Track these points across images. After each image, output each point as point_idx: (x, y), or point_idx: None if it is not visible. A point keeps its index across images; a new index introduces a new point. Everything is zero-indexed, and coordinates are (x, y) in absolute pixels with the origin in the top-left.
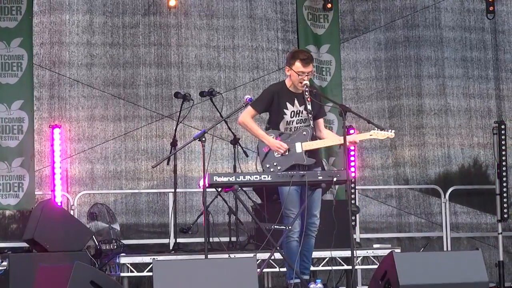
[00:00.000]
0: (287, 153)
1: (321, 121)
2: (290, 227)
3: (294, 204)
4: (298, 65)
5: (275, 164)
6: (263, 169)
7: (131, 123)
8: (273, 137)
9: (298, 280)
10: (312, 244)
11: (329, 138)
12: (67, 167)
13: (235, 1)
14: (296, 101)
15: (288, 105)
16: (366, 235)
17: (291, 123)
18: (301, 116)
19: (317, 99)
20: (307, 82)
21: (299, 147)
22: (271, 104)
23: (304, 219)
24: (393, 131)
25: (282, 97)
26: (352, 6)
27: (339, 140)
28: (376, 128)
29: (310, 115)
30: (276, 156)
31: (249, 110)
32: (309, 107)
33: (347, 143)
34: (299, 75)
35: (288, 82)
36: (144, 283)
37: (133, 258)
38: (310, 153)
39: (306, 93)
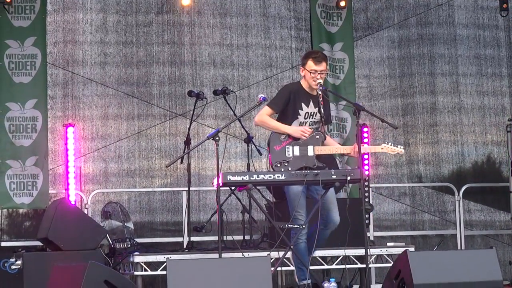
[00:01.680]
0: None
1: (325, 127)
2: (304, 226)
3: (301, 206)
4: (310, 64)
5: (286, 164)
6: (272, 167)
7: (145, 121)
8: (285, 137)
9: (309, 281)
10: (326, 236)
11: (339, 146)
12: (80, 165)
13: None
14: (311, 103)
15: (303, 105)
16: (380, 233)
17: (304, 124)
18: (314, 118)
19: (327, 101)
20: (321, 81)
21: (311, 150)
22: (288, 103)
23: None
24: (402, 147)
25: (298, 97)
26: (365, 4)
27: (347, 149)
28: (387, 142)
29: (322, 119)
30: (288, 155)
31: (266, 109)
32: (322, 109)
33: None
34: (311, 73)
35: (303, 83)
36: (158, 282)
37: (147, 257)
38: (320, 157)
39: (320, 96)
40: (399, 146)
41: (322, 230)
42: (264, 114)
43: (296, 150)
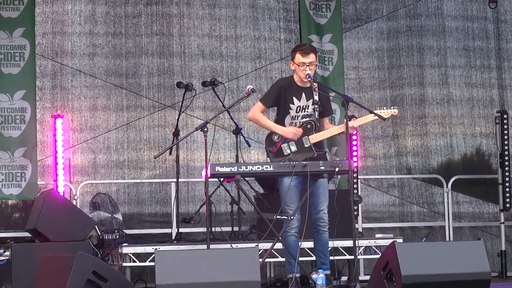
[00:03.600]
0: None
1: (326, 119)
2: (292, 218)
3: (293, 201)
4: (298, 57)
5: (287, 162)
6: None
7: (134, 113)
8: (278, 137)
9: (298, 275)
10: (326, 238)
11: (333, 128)
12: (69, 157)
13: None
14: (304, 95)
15: (295, 99)
16: (368, 225)
17: (296, 118)
18: (307, 112)
19: (325, 93)
20: (310, 72)
21: (306, 141)
22: (279, 99)
23: (309, 214)
24: (395, 108)
25: (289, 92)
26: None
27: (343, 128)
28: (378, 109)
29: (316, 106)
30: (286, 154)
31: (258, 105)
32: (316, 98)
33: (351, 130)
34: (300, 66)
35: (295, 77)
36: (147, 273)
37: (135, 248)
38: (317, 144)
39: (315, 84)
40: (392, 108)
41: (318, 232)
42: (257, 111)
43: (293, 146)
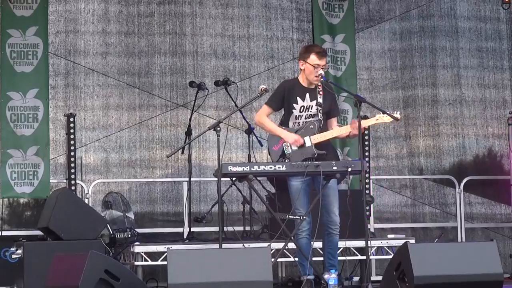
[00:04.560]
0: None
1: (333, 120)
2: (304, 217)
3: (302, 204)
4: (313, 58)
5: (286, 161)
6: None
7: (146, 112)
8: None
9: (312, 277)
10: (336, 242)
11: (336, 129)
12: (82, 155)
13: None
14: (307, 96)
15: (299, 99)
16: (380, 225)
17: (299, 117)
18: (310, 111)
19: (331, 90)
20: (322, 73)
21: (308, 141)
22: (283, 99)
23: (321, 216)
24: (399, 112)
25: (292, 92)
26: None
27: (346, 128)
28: (381, 113)
29: (319, 108)
30: (287, 153)
31: (264, 108)
32: (320, 100)
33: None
34: (314, 67)
35: (301, 77)
36: (158, 272)
37: (147, 247)
38: (321, 145)
39: (319, 87)
40: (395, 112)
41: (330, 235)
42: (263, 114)
43: (294, 145)
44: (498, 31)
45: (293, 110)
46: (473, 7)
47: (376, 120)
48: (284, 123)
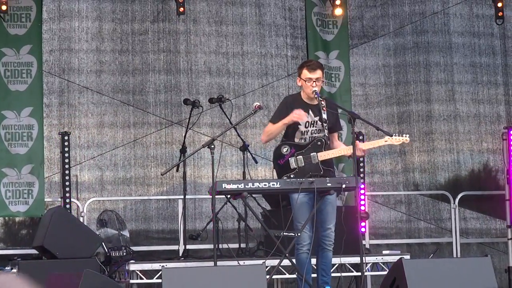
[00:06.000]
0: (306, 117)
1: (335, 135)
2: (299, 234)
3: (303, 217)
4: (305, 72)
5: (292, 176)
6: None
7: (141, 129)
8: (287, 150)
9: None
10: (330, 257)
11: (342, 147)
12: (76, 173)
13: (244, 8)
14: (310, 112)
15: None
16: (375, 241)
17: (306, 133)
18: (316, 127)
19: (333, 109)
20: (316, 89)
21: (314, 158)
22: (286, 116)
23: (316, 231)
24: (408, 135)
25: (296, 108)
26: (361, 12)
27: (350, 149)
28: (391, 136)
29: (325, 124)
30: (292, 168)
31: (268, 125)
32: (324, 116)
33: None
34: (307, 82)
35: (302, 94)
36: None
37: (142, 265)
38: (324, 162)
39: (322, 102)
40: (404, 135)
41: (323, 250)
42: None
43: (301, 161)
44: (492, 46)
45: (299, 126)
46: (466, 22)
47: (385, 141)
48: (289, 138)
